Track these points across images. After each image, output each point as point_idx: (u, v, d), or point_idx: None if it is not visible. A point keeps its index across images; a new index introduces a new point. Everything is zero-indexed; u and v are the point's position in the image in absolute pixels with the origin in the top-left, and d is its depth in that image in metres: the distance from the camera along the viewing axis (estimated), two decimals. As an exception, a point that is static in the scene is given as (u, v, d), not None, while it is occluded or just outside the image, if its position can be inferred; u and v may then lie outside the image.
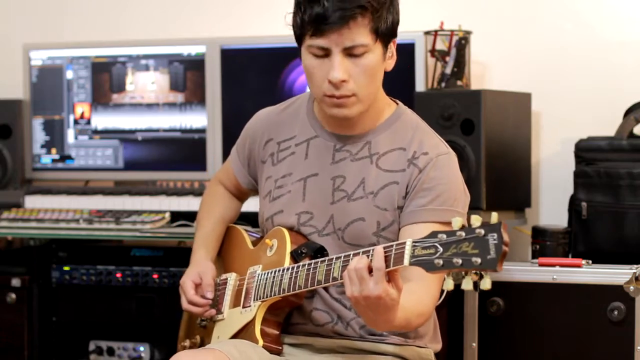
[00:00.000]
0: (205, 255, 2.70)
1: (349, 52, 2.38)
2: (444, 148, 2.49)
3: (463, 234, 1.98)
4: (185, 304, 2.64)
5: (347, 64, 2.38)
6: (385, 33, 2.40)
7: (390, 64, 2.47)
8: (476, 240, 1.96)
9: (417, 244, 2.07)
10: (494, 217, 1.96)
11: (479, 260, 1.95)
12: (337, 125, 2.53)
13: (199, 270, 2.65)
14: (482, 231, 1.95)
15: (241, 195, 2.82)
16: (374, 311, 2.18)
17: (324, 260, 2.34)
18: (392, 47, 2.46)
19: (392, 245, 2.14)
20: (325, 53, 2.39)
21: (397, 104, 2.57)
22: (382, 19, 2.38)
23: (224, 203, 2.81)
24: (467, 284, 1.98)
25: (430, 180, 2.43)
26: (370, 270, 2.16)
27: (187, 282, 2.63)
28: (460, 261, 1.97)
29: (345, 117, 2.46)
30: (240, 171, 2.74)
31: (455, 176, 2.47)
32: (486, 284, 1.96)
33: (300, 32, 2.42)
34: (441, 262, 2.01)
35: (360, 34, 2.36)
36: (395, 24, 2.43)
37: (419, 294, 2.32)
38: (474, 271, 1.98)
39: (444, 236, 2.01)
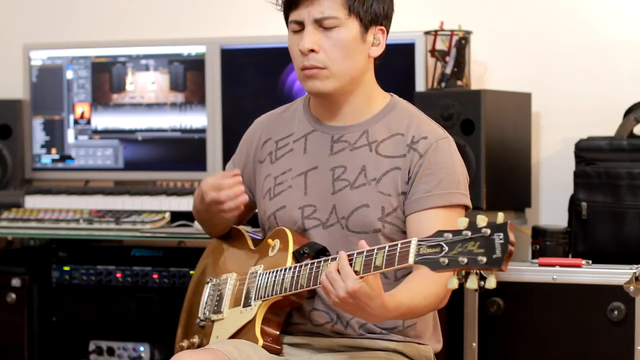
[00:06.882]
0: None
1: (320, 24, 2.44)
2: (442, 132, 2.51)
3: (469, 233, 1.98)
4: (212, 194, 2.53)
5: (318, 36, 2.44)
6: (364, 14, 2.45)
7: (374, 51, 2.50)
8: (482, 240, 1.96)
9: (422, 243, 2.08)
10: (500, 217, 1.97)
11: (484, 259, 1.95)
12: (332, 117, 2.55)
13: (214, 175, 2.60)
14: (489, 231, 1.96)
15: None
16: (362, 308, 2.20)
17: (327, 259, 2.34)
18: (379, 36, 2.49)
19: (397, 244, 2.14)
20: (301, 27, 2.46)
21: (392, 95, 2.59)
22: None
23: None
24: (471, 283, 1.98)
25: (432, 165, 2.45)
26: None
27: (207, 179, 2.58)
28: (465, 260, 1.98)
29: (319, 92, 2.49)
30: None
31: (456, 159, 2.49)
32: (491, 283, 1.96)
33: (282, 8, 2.50)
34: (446, 260, 2.01)
35: (330, 6, 2.43)
36: (380, 12, 2.47)
37: (424, 277, 2.28)
38: (477, 271, 1.99)
39: (450, 235, 2.01)
